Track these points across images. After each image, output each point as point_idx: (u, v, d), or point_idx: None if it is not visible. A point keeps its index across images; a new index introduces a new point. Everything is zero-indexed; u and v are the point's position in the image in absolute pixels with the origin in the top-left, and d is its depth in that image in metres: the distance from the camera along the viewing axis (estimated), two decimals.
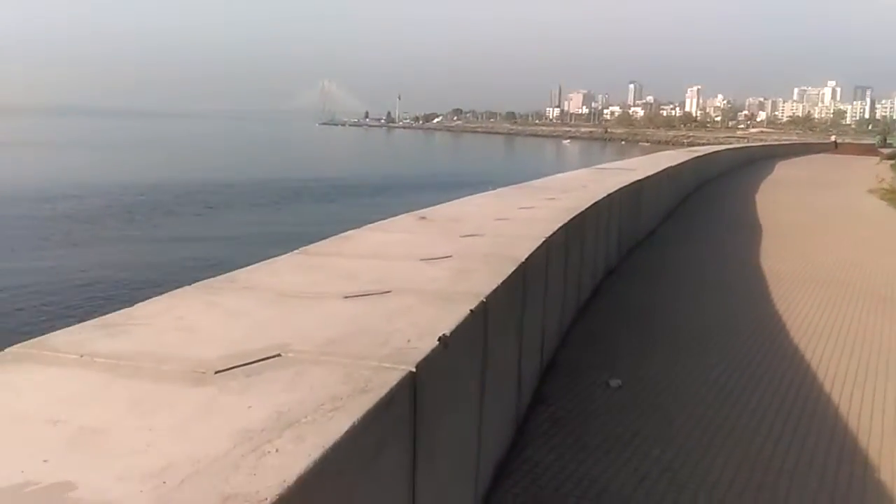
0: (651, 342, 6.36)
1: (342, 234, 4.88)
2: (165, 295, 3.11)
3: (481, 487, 3.53)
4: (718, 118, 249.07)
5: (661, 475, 3.79)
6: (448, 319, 2.82)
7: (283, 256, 4.06)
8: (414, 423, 2.26)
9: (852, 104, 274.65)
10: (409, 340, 2.54)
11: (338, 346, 2.45)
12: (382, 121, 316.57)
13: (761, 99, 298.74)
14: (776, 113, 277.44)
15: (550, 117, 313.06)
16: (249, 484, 1.50)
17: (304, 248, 4.34)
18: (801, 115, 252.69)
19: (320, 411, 1.88)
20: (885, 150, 52.70)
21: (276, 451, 1.65)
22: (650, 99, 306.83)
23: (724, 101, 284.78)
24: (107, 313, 2.91)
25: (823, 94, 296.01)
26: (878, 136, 75.38)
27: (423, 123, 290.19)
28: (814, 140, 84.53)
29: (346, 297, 3.14)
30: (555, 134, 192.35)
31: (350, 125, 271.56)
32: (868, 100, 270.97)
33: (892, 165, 32.08)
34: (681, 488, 3.69)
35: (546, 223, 5.69)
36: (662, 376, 5.40)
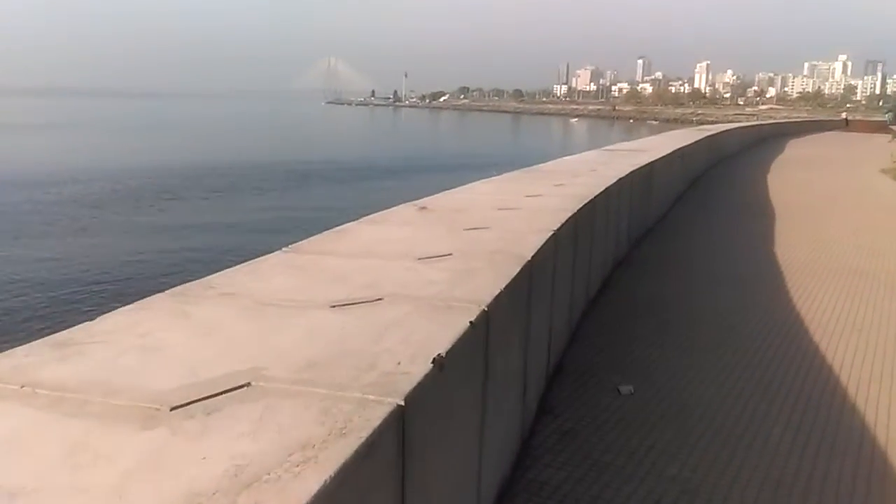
0: (664, 342, 6.02)
1: (337, 228, 4.58)
2: (134, 305, 2.83)
3: None
4: (728, 94, 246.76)
5: (678, 497, 3.49)
6: (445, 334, 2.53)
7: (270, 255, 3.77)
8: (402, 465, 1.97)
9: (863, 79, 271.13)
10: (399, 363, 2.24)
11: (318, 371, 2.16)
12: (389, 99, 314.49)
13: (771, 74, 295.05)
14: (786, 89, 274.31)
15: (558, 95, 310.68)
16: None
17: (295, 244, 4.05)
18: (811, 90, 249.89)
19: (287, 465, 1.59)
20: None
21: None
22: (659, 75, 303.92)
23: (734, 77, 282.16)
24: (92, 318, 2.66)
25: (834, 68, 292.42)
26: (890, 113, 74.20)
27: (430, 102, 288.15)
28: (824, 117, 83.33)
29: (334, 307, 2.84)
30: (562, 112, 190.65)
31: (357, 104, 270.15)
32: (879, 74, 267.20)
33: None
34: None
35: (554, 213, 5.37)
36: (677, 381, 5.08)
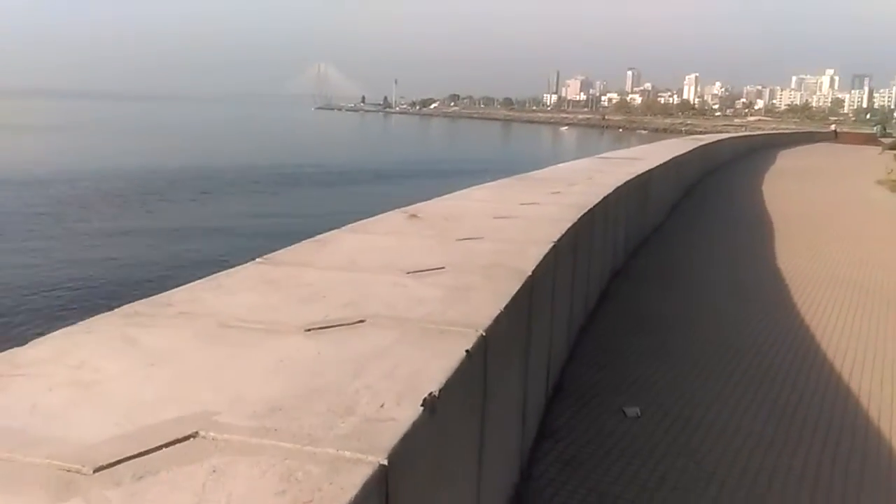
0: (667, 358, 5.67)
1: (318, 237, 4.18)
2: (75, 326, 2.43)
3: None
4: (716, 106, 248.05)
5: None
6: (437, 366, 2.14)
7: (240, 267, 3.37)
8: None
9: (850, 93, 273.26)
10: (382, 405, 1.86)
11: (282, 417, 1.77)
12: (379, 105, 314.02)
13: (759, 87, 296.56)
14: (774, 101, 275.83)
15: (548, 104, 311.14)
16: None
17: (270, 255, 3.65)
18: (798, 103, 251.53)
19: None
20: (886, 140, 51.95)
21: None
22: (648, 86, 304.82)
23: (722, 89, 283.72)
24: (25, 341, 2.26)
25: (822, 82, 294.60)
26: (878, 126, 74.65)
27: (420, 109, 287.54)
28: (814, 128, 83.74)
29: (308, 330, 2.45)
30: (552, 120, 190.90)
31: (347, 110, 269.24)
32: (866, 88, 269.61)
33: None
34: None
35: (553, 223, 5.01)
36: (684, 403, 4.72)
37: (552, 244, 4.24)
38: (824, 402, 4.92)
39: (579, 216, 5.44)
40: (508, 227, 4.86)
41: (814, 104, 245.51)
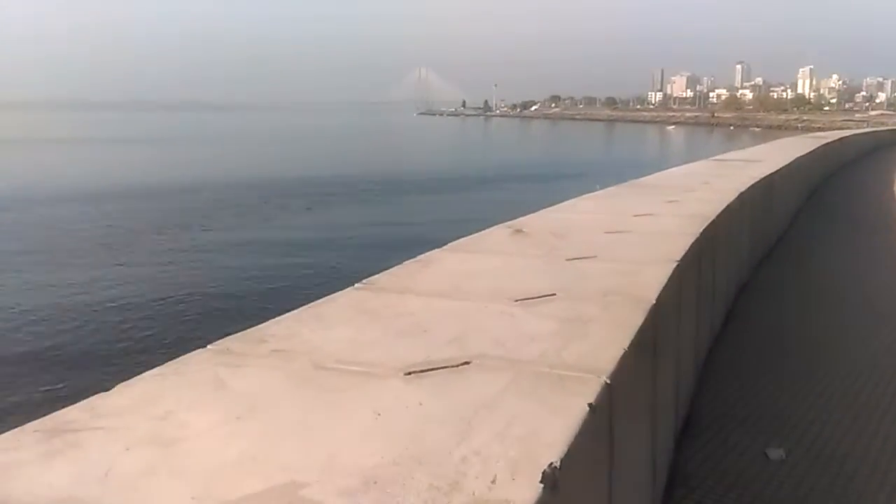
0: (813, 389, 5.02)
1: (420, 258, 3.97)
2: (166, 366, 2.28)
3: None
4: (834, 100, 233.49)
5: None
6: (556, 425, 1.84)
7: (340, 294, 3.19)
8: None
9: None
10: (493, 480, 1.57)
11: (378, 493, 1.51)
12: (480, 109, 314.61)
13: (880, 79, 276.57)
14: None
15: (653, 102, 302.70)
16: None
17: (370, 279, 3.45)
18: None
19: None
20: None
21: None
22: (759, 80, 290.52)
23: (840, 82, 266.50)
24: (111, 385, 2.13)
25: None
26: None
27: (521, 111, 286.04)
28: None
29: (408, 374, 2.20)
30: (657, 119, 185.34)
31: (448, 115, 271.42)
32: None
33: None
34: None
35: (672, 238, 4.59)
36: (836, 443, 4.14)
37: (675, 263, 3.83)
38: None
39: (702, 229, 4.98)
40: (622, 243, 4.48)
41: None
